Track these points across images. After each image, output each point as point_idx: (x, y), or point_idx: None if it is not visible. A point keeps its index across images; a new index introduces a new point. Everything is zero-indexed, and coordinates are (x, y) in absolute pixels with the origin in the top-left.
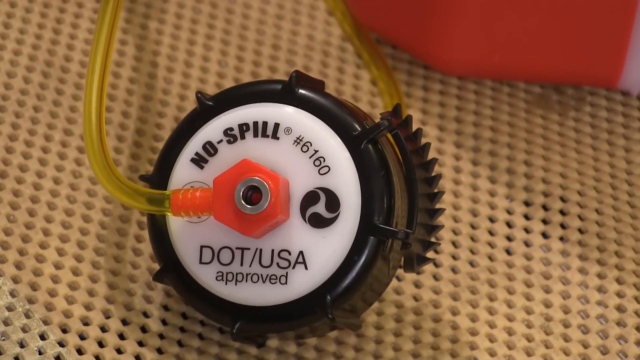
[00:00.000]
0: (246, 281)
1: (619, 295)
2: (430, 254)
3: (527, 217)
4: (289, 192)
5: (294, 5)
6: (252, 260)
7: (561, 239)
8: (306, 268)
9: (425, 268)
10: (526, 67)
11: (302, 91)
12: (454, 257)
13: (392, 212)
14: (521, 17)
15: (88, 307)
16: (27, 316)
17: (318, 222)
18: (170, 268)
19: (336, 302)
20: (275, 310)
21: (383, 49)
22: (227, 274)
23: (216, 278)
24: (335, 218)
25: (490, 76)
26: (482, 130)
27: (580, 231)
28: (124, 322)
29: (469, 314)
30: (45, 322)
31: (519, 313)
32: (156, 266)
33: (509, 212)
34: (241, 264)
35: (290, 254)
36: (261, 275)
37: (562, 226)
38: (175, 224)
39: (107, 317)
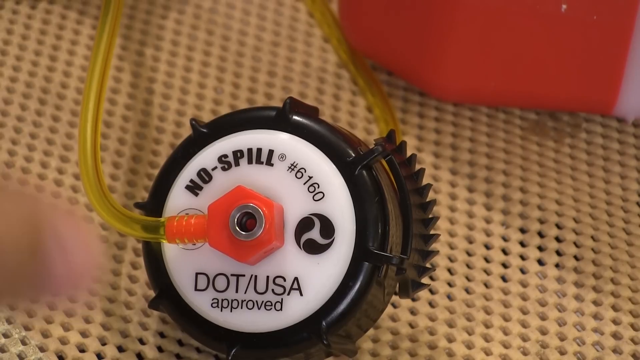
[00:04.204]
0: (241, 308)
1: (615, 322)
2: (425, 280)
3: (522, 244)
4: (283, 219)
5: (289, 32)
6: (247, 287)
7: (557, 265)
8: (301, 294)
9: (420, 295)
10: (522, 94)
11: (296, 117)
12: (450, 284)
13: (386, 238)
14: (517, 43)
15: (84, 334)
16: (24, 343)
17: (313, 248)
18: (165, 295)
19: (331, 328)
20: (270, 337)
21: (378, 75)
22: (222, 300)
23: (211, 305)
24: (330, 244)
25: (486, 103)
26: (478, 157)
27: (576, 258)
28: (120, 349)
29: (465, 341)
30: (42, 349)
31: (514, 340)
32: (152, 293)
33: (504, 239)
34: (236, 291)
35: (285, 280)
36: (256, 301)
37: (558, 253)
38: (171, 251)
39: (104, 344)
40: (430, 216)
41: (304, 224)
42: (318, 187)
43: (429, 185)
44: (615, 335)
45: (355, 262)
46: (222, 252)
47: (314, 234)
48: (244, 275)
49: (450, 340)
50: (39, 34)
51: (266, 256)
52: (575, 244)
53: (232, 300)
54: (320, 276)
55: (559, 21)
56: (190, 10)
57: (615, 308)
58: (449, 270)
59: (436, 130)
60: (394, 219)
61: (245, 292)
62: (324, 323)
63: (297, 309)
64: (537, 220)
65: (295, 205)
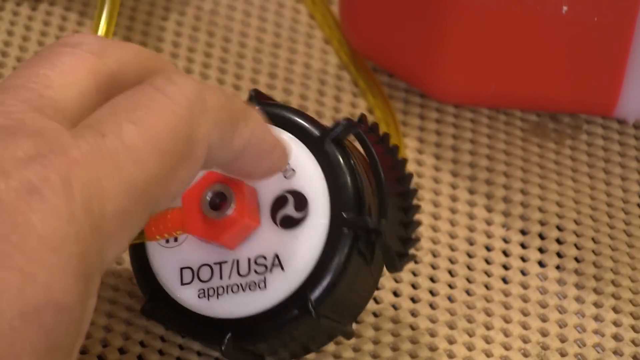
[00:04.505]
0: (227, 293)
1: (616, 324)
2: (411, 252)
3: (523, 245)
4: (257, 200)
5: (290, 34)
6: (231, 272)
7: (558, 267)
8: (282, 269)
9: (421, 296)
10: (523, 96)
11: (261, 105)
12: (451, 286)
13: (361, 204)
14: (518, 45)
15: (86, 336)
16: None
17: (289, 223)
18: (155, 298)
19: (318, 300)
20: (259, 318)
21: (379, 77)
22: (208, 289)
23: (198, 296)
24: (305, 217)
25: (487, 104)
26: (479, 159)
27: (577, 260)
28: (121, 351)
29: (466, 343)
30: None
31: (515, 342)
32: None
33: (505, 240)
34: (220, 277)
35: (266, 258)
36: (240, 284)
37: (559, 255)
38: (155, 252)
39: (105, 346)
40: (410, 188)
41: (278, 202)
42: (288, 165)
43: (410, 175)
44: (616, 337)
45: (333, 232)
46: (198, 236)
47: (289, 209)
48: (226, 262)
49: (451, 342)
50: (40, 36)
51: (244, 238)
52: (576, 245)
53: (217, 288)
54: (299, 248)
55: (559, 23)
56: (191, 11)
57: (616, 310)
58: (450, 272)
59: (437, 132)
60: (368, 188)
61: (229, 278)
62: (310, 296)
63: (280, 284)
64: (538, 222)
65: (268, 185)
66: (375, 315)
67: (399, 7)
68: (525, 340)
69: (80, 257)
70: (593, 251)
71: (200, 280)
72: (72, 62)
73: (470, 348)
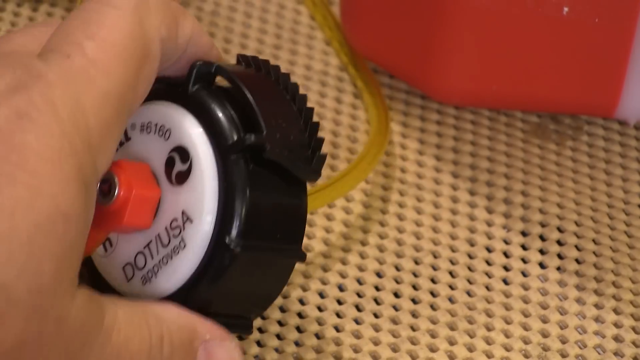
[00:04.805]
0: (161, 268)
1: (617, 325)
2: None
3: (524, 247)
4: (149, 171)
5: (291, 36)
6: (157, 248)
7: (558, 269)
8: (192, 222)
9: (422, 298)
10: (523, 97)
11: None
12: (451, 287)
13: (237, 129)
14: (518, 46)
15: None
16: None
17: (183, 177)
18: None
19: (237, 230)
20: (196, 278)
21: (380, 78)
22: (147, 274)
23: (142, 284)
24: (191, 164)
25: (488, 105)
26: (479, 161)
27: (578, 261)
28: None
29: (467, 344)
30: None
31: (516, 343)
32: None
33: (506, 242)
34: (152, 257)
35: (177, 219)
36: (167, 254)
37: (560, 256)
38: (101, 265)
39: None
40: (297, 95)
41: (169, 164)
42: (164, 127)
43: (286, 74)
44: (617, 338)
45: (219, 162)
46: (104, 230)
47: (178, 165)
48: (151, 241)
49: (452, 343)
50: None
51: (152, 211)
52: (576, 247)
53: (152, 267)
54: (198, 193)
55: (560, 24)
56: (192, 12)
57: (616, 311)
58: (451, 273)
59: (438, 133)
60: (244, 112)
61: (157, 253)
62: (227, 230)
63: (196, 235)
64: (539, 224)
65: (155, 154)
66: (375, 316)
67: (400, 8)
68: (526, 342)
69: (78, 168)
70: (594, 252)
71: (139, 269)
72: None
73: (471, 349)
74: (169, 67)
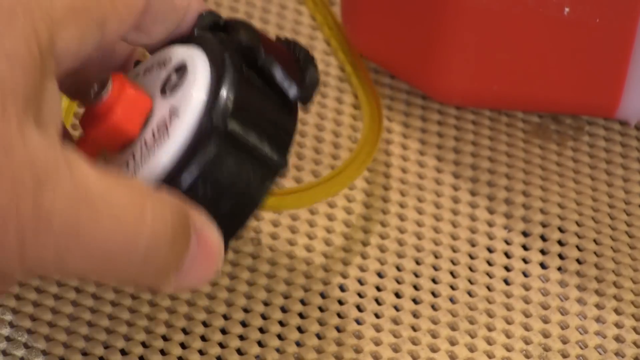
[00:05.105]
0: (148, 156)
1: (618, 325)
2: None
3: (525, 247)
4: (145, 92)
5: (292, 36)
6: (142, 151)
7: (559, 269)
8: (178, 117)
9: (423, 298)
10: (524, 97)
11: None
12: (452, 287)
13: (229, 43)
14: (519, 47)
15: (87, 338)
16: (27, 346)
17: (175, 85)
18: None
19: (223, 112)
20: (181, 161)
21: (381, 78)
22: (134, 168)
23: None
24: (185, 72)
25: (489, 106)
26: (480, 161)
27: (579, 262)
28: (123, 352)
29: (468, 344)
30: (45, 353)
31: (517, 343)
32: (157, 294)
33: (507, 242)
34: (139, 158)
35: (165, 119)
36: (152, 147)
37: (560, 256)
38: None
39: (106, 347)
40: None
41: (164, 85)
42: (165, 60)
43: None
44: (618, 339)
45: (213, 69)
46: (100, 134)
47: (173, 80)
48: (138, 147)
49: (453, 343)
50: None
51: (142, 118)
52: (577, 247)
53: (140, 161)
54: (187, 90)
55: (561, 24)
56: None
57: (617, 311)
58: (452, 274)
59: (439, 133)
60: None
61: (142, 154)
62: (214, 114)
63: (182, 122)
64: (540, 224)
65: (155, 86)
66: (377, 316)
67: (401, 9)
68: (527, 342)
69: (32, 29)
70: (595, 253)
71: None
72: None
73: (472, 349)
74: (174, 32)
